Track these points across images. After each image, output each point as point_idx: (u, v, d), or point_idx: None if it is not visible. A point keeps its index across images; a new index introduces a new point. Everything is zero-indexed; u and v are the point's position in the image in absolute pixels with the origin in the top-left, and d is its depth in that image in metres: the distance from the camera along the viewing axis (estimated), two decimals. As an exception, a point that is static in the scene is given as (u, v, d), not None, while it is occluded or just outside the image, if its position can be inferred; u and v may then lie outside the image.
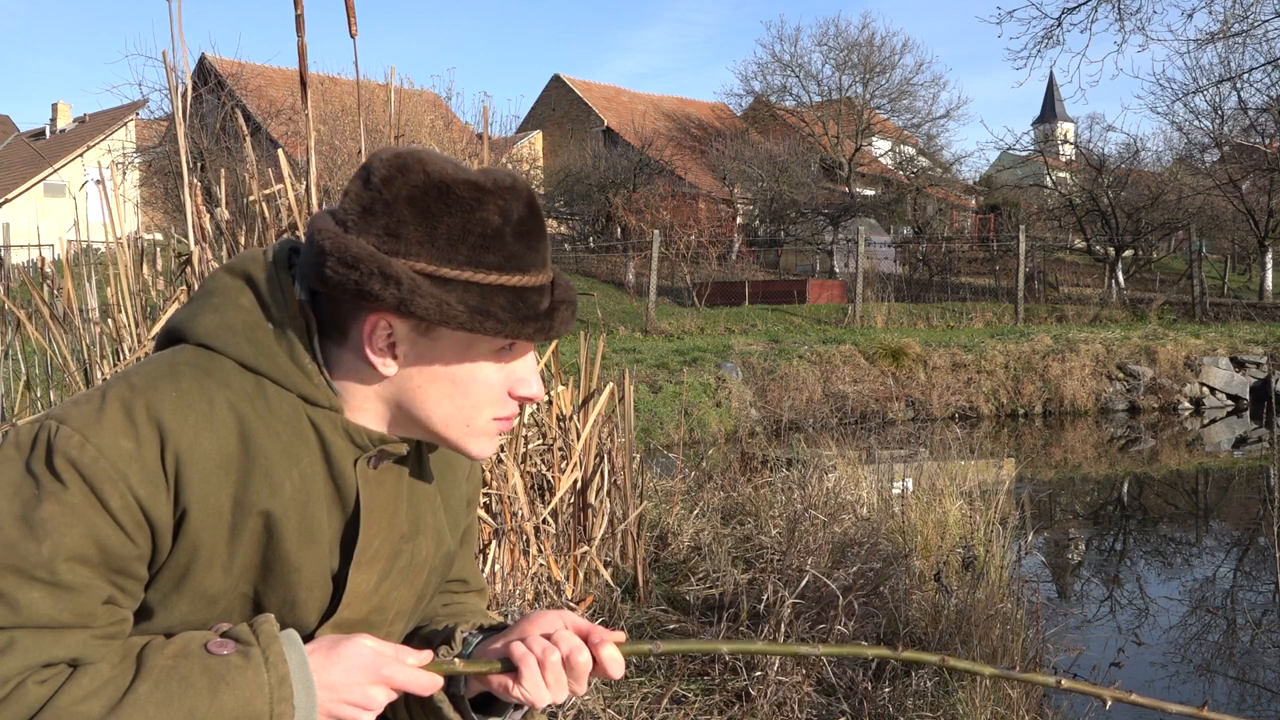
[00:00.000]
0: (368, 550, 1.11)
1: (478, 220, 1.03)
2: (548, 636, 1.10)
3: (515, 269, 1.04)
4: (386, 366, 1.07)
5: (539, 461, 4.09)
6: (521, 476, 3.77)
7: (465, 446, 1.12)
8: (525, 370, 1.12)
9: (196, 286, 3.16)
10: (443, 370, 1.07)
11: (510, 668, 1.09)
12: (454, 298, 1.02)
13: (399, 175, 1.03)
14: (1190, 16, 17.73)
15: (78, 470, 0.96)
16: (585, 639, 1.11)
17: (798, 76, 37.18)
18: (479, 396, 1.09)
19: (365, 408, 1.10)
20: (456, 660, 1.12)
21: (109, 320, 3.49)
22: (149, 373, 1.03)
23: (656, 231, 19.81)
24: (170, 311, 3.25)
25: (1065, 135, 34.23)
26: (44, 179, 29.11)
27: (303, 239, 1.10)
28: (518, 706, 1.16)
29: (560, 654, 1.09)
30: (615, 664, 1.11)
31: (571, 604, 3.88)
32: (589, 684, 1.13)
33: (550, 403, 4.13)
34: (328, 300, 1.07)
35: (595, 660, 1.11)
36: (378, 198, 1.03)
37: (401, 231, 1.02)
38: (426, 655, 1.10)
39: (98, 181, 3.58)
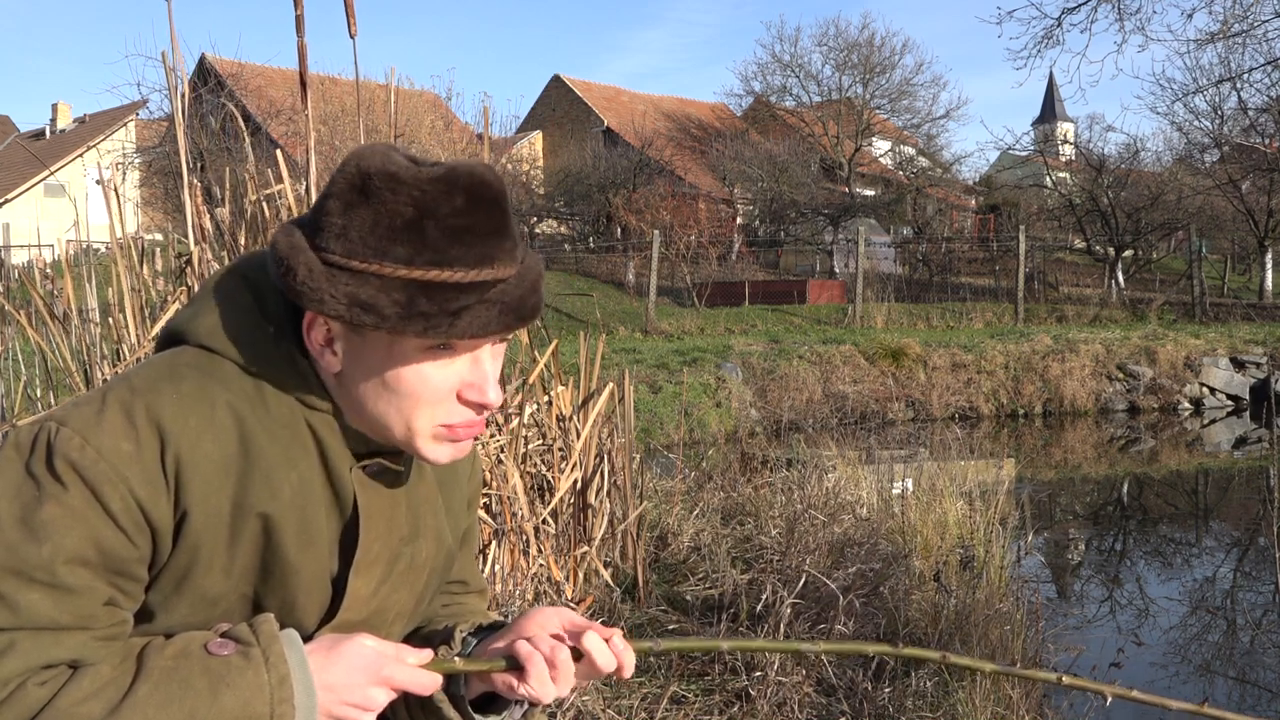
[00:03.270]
0: (367, 555, 1.11)
1: (388, 213, 1.00)
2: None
3: (429, 263, 0.99)
4: (330, 365, 1.06)
5: (539, 462, 4.08)
6: (521, 477, 3.77)
7: (415, 447, 1.08)
8: (476, 374, 1.06)
9: (196, 287, 3.16)
10: (374, 367, 1.05)
11: (515, 666, 1.10)
12: (342, 291, 0.99)
13: (339, 171, 1.03)
14: (1190, 16, 17.74)
15: (78, 472, 0.96)
16: (579, 635, 1.11)
17: (798, 77, 37.21)
18: (412, 397, 1.05)
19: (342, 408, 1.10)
20: (457, 659, 1.12)
21: (109, 320, 3.49)
22: (149, 375, 1.03)
23: (656, 231, 19.80)
24: (170, 312, 3.25)
25: (1065, 135, 34.20)
26: (44, 179, 29.10)
27: None
28: (519, 703, 1.16)
29: (567, 651, 1.09)
30: (601, 654, 1.10)
31: (571, 604, 3.88)
32: (587, 681, 1.13)
33: (550, 403, 4.13)
34: None
35: (581, 653, 1.10)
36: (323, 193, 1.05)
37: (324, 223, 1.02)
38: (427, 654, 1.10)
39: (98, 181, 3.57)
